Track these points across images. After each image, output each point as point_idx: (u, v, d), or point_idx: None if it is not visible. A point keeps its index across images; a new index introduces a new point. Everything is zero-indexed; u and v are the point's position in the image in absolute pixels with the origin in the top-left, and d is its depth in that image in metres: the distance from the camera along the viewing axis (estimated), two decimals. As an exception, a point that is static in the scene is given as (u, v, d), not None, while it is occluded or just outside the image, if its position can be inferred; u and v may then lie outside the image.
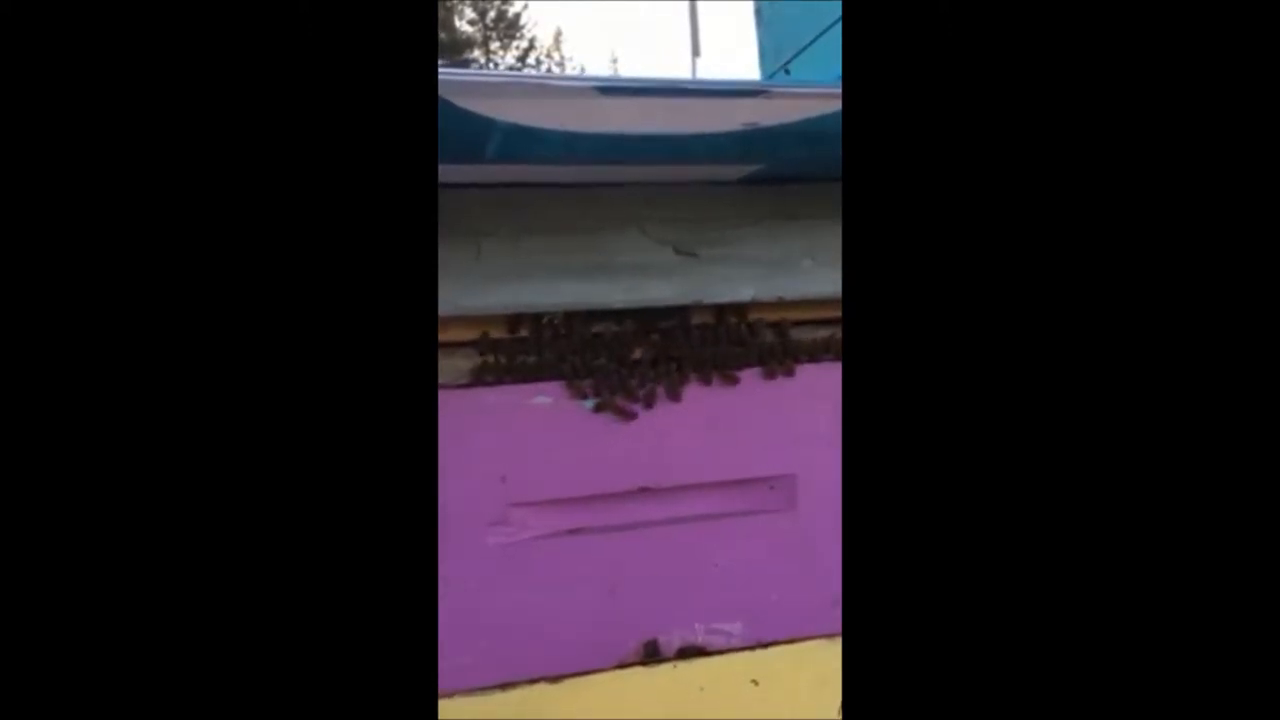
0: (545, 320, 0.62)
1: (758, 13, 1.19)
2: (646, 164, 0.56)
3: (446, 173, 0.48)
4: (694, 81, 0.42)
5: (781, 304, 0.65)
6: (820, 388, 0.65)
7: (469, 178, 0.55)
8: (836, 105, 0.46)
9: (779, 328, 0.66)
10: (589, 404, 0.62)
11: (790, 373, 0.65)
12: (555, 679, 0.59)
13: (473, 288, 0.58)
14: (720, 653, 0.62)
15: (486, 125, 0.45)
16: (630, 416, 0.62)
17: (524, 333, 0.61)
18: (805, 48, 1.02)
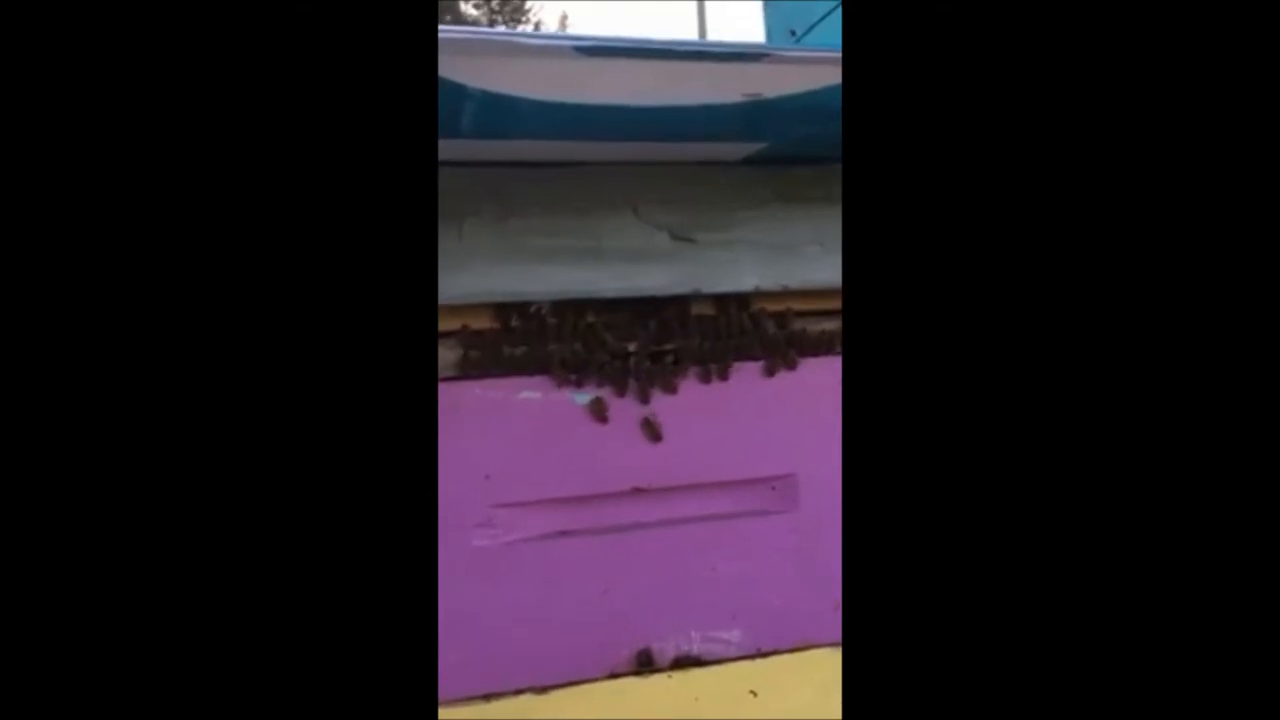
0: (533, 310, 0.58)
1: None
2: (639, 140, 0.52)
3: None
4: (685, 42, 0.38)
5: (785, 294, 0.62)
6: (825, 383, 0.62)
7: (448, 154, 0.52)
8: (847, 74, 0.42)
9: (782, 319, 0.63)
10: (580, 399, 0.59)
11: (793, 367, 0.62)
12: (542, 689, 0.56)
13: (455, 274, 0.55)
14: (718, 662, 0.59)
15: (457, 93, 0.41)
16: (657, 438, 0.59)
17: (511, 323, 0.58)
18: (815, 25, 0.98)
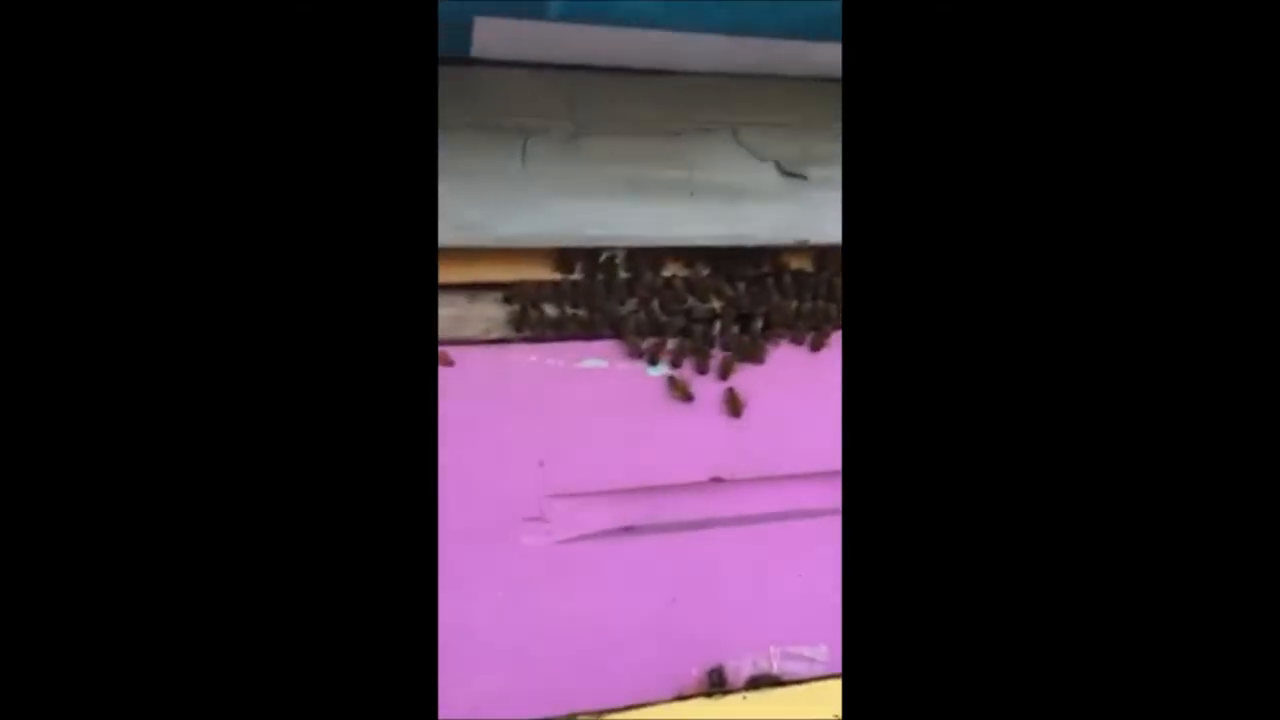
0: (604, 259, 0.50)
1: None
2: (759, 35, 0.42)
3: (483, 39, 0.38)
4: None
5: (903, 249, 0.53)
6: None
7: (515, 49, 0.41)
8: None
9: (896, 280, 0.54)
10: (653, 371, 0.51)
11: (905, 338, 0.54)
12: (599, 714, 0.51)
13: (512, 208, 0.46)
14: (799, 682, 0.54)
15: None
16: (740, 418, 0.52)
17: (575, 273, 0.50)
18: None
